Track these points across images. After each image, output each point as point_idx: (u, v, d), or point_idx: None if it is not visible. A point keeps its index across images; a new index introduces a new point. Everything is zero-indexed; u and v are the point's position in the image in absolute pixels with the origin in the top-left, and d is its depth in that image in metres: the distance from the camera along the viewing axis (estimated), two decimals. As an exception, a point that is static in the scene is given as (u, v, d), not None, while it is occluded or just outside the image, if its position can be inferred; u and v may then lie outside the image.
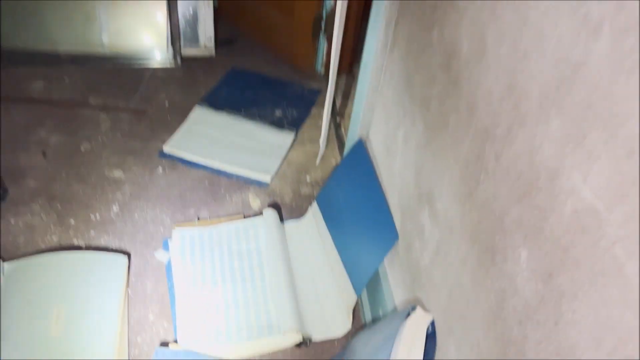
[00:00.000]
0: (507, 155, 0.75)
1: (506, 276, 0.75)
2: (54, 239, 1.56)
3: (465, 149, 0.89)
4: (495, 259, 0.78)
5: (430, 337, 1.01)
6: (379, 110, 1.45)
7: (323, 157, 1.96)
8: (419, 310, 1.04)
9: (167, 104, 2.15)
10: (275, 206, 1.76)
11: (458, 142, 0.92)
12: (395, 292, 1.29)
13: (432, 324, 1.02)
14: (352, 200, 1.48)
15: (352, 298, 1.39)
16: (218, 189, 1.81)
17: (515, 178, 0.73)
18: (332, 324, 1.41)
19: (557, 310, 0.63)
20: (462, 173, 0.90)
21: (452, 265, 0.93)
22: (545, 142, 0.66)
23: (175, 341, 1.32)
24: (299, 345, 1.36)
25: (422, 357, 0.97)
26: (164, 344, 1.34)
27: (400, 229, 1.24)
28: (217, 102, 2.18)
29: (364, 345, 1.20)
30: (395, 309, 1.26)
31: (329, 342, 1.40)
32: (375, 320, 1.37)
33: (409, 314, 1.04)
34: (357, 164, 1.51)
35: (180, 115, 2.08)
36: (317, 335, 1.39)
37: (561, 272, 0.63)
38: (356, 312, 1.45)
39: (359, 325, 1.44)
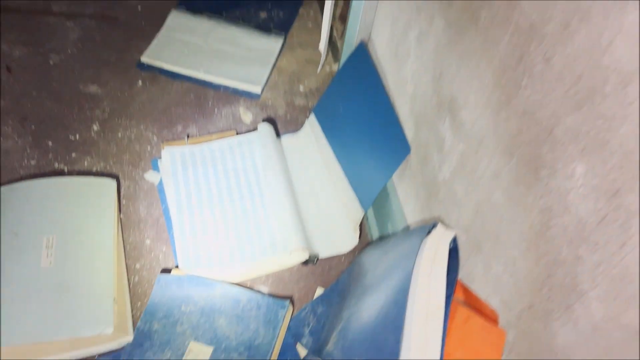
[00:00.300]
0: (562, 56, 0.65)
1: (554, 192, 0.68)
2: (32, 164, 1.44)
3: (501, 50, 0.78)
4: (540, 173, 0.70)
5: (453, 254, 0.96)
6: (384, 8, 1.30)
7: (315, 64, 1.82)
8: (440, 227, 0.98)
9: (139, 8, 1.93)
10: (270, 120, 1.64)
11: (492, 42, 0.81)
12: (405, 207, 1.23)
13: (454, 240, 0.97)
14: (354, 111, 1.37)
15: (359, 213, 1.33)
16: (205, 103, 1.68)
17: (571, 82, 0.63)
18: (338, 240, 1.37)
19: (625, 232, 0.56)
20: (497, 77, 0.79)
21: (481, 180, 0.86)
22: (618, 39, 0.55)
23: (177, 266, 1.26)
24: (305, 263, 1.31)
25: (445, 274, 0.93)
26: (166, 271, 1.28)
27: (412, 141, 1.16)
28: (195, 4, 1.97)
29: (376, 262, 1.16)
30: (407, 226, 1.20)
31: (336, 258, 1.36)
32: (383, 236, 1.33)
33: (429, 231, 0.98)
34: (359, 71, 1.38)
35: (155, 20, 1.88)
36: (323, 252, 1.34)
37: (632, 190, 0.55)
38: (362, 227, 1.39)
39: (365, 241, 1.40)
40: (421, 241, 0.97)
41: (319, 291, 1.29)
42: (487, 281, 0.87)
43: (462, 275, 0.96)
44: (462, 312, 0.90)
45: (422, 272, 0.94)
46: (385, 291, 1.00)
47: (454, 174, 0.96)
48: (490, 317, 0.86)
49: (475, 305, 0.90)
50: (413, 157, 1.16)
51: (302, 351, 1.18)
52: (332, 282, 1.30)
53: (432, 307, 0.91)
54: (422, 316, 0.91)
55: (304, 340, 1.19)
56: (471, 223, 0.91)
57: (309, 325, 1.21)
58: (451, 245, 0.96)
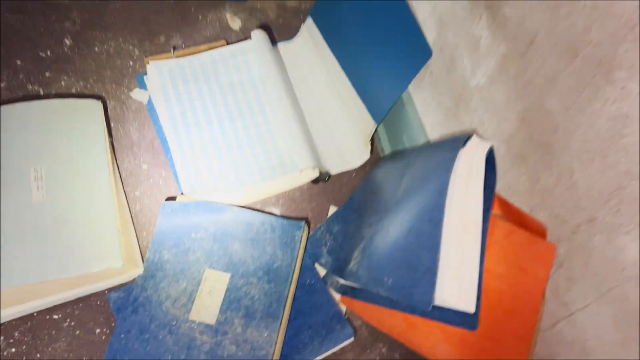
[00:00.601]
0: None
1: (632, 97, 0.61)
2: (3, 86, 1.28)
3: None
4: (613, 75, 0.63)
5: (489, 166, 0.90)
6: None
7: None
8: (475, 138, 0.91)
9: None
10: (262, 27, 1.49)
11: None
12: (424, 117, 1.15)
13: (490, 152, 0.90)
14: (361, 12, 1.24)
15: (370, 126, 1.25)
16: (187, 8, 1.50)
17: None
18: (348, 155, 1.29)
19: None
20: (558, -35, 0.69)
21: (530, 85, 0.78)
22: None
23: (182, 193, 1.18)
24: (316, 181, 1.24)
25: (482, 187, 0.88)
26: (170, 198, 1.19)
27: (434, 44, 1.05)
28: None
29: (396, 177, 1.10)
30: (427, 139, 1.13)
31: (347, 175, 1.29)
32: (396, 150, 1.26)
33: (464, 143, 0.91)
34: (364, -35, 1.23)
35: None
36: (334, 169, 1.27)
37: None
38: (372, 140, 1.31)
39: (376, 155, 1.33)
40: (454, 155, 0.91)
41: (332, 209, 1.24)
42: (533, 194, 0.82)
43: (501, 188, 0.91)
44: (502, 226, 0.86)
45: (457, 187, 0.89)
46: (415, 208, 0.94)
47: (493, 79, 0.87)
48: (537, 231, 0.82)
49: (517, 219, 0.86)
50: (435, 62, 1.06)
51: (321, 271, 1.15)
52: (345, 199, 1.24)
53: (469, 222, 0.87)
54: (458, 231, 0.87)
55: (323, 260, 1.15)
56: (515, 133, 0.84)
57: (326, 245, 1.17)
58: (486, 156, 0.90)
